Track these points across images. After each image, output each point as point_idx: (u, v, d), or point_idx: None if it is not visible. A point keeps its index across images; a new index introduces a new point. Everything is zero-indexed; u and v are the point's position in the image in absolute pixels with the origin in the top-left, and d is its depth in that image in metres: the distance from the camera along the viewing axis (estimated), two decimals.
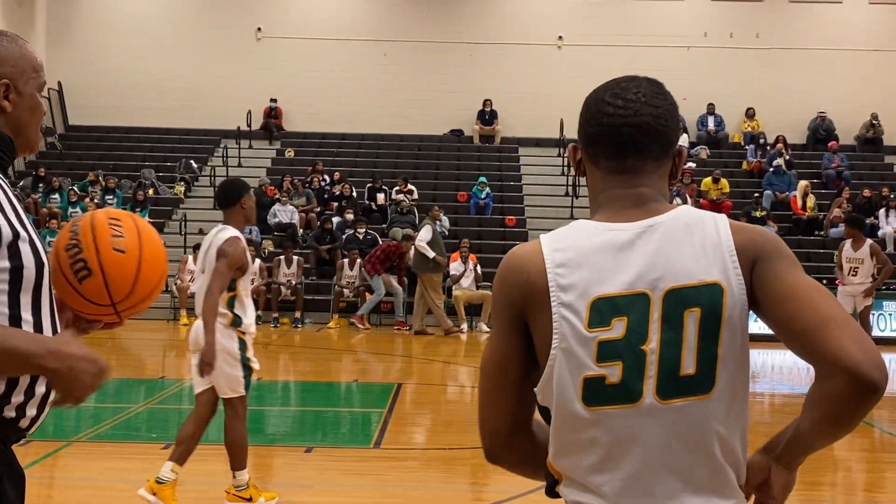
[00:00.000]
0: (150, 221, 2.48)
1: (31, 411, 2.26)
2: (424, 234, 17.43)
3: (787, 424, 1.94)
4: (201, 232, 21.11)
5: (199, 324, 5.97)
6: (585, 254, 1.94)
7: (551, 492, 2.04)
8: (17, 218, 2.20)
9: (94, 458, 7.58)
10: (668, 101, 2.07)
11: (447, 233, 21.32)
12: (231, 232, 5.95)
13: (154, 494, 5.96)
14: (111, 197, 21.53)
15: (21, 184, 22.68)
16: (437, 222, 18.09)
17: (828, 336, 1.82)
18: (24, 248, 2.19)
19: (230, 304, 5.95)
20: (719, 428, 1.91)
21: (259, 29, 26.32)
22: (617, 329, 1.90)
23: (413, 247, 17.84)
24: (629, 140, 2.00)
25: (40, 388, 2.27)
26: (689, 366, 1.90)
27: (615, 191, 2.02)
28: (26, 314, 2.19)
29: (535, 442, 2.07)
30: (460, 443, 8.51)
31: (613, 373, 1.90)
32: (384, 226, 21.17)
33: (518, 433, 2.05)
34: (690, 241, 1.94)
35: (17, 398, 2.22)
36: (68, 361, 2.13)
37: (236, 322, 5.97)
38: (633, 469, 1.90)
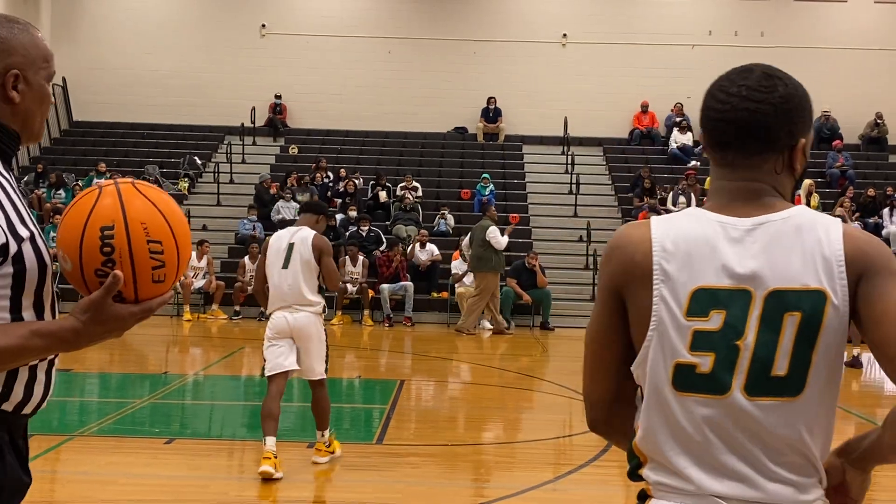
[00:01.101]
0: None
1: (29, 408, 2.23)
2: (494, 233, 17.07)
3: (865, 432, 1.98)
4: (205, 228, 21.15)
5: (292, 314, 6.98)
6: (693, 243, 1.97)
7: (634, 474, 2.08)
8: (20, 217, 2.14)
9: (97, 453, 7.59)
10: (777, 94, 2.03)
11: (451, 230, 21.34)
12: (313, 231, 7.14)
13: (331, 453, 7.33)
14: None
15: (25, 179, 22.72)
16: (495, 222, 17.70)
17: None
18: (27, 250, 2.13)
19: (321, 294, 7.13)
20: (803, 430, 1.94)
21: (263, 25, 26.33)
22: (714, 321, 1.93)
23: (460, 248, 18.03)
24: (725, 135, 2.03)
25: (38, 389, 2.23)
26: (781, 367, 1.92)
27: (722, 182, 2.06)
28: (28, 315, 2.15)
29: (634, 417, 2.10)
30: (462, 439, 8.52)
31: (705, 363, 1.93)
32: (387, 223, 21.18)
33: (617, 406, 2.10)
34: (800, 245, 1.94)
35: (17, 396, 2.19)
36: (86, 338, 2.07)
37: (324, 310, 7.08)
38: (716, 457, 1.94)
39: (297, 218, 7.71)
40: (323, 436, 7.28)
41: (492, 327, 17.72)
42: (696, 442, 1.95)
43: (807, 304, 1.91)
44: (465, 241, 18.09)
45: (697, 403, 1.94)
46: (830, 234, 1.95)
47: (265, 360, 7.00)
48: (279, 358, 6.94)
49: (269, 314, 7.12)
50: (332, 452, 7.34)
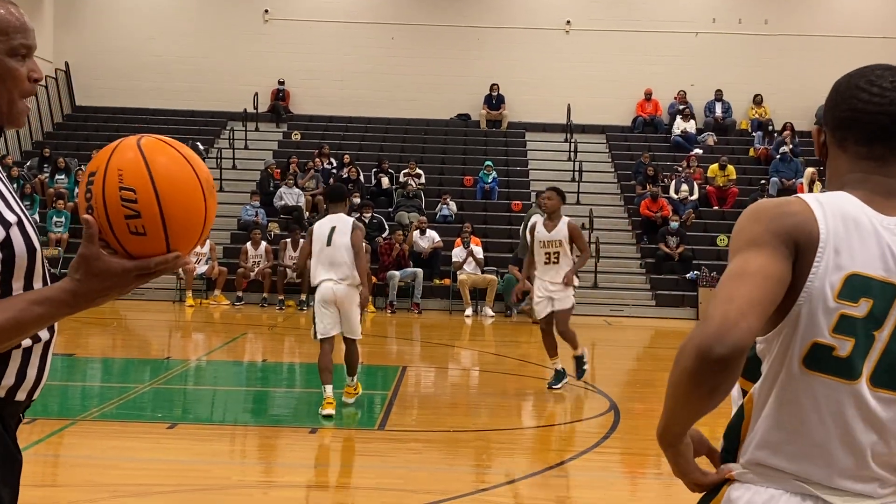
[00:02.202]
0: None
1: (22, 393, 2.18)
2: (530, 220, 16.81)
3: None
4: None
5: (336, 285, 8.55)
6: (849, 228, 1.98)
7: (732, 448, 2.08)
8: (5, 203, 2.07)
9: (99, 437, 7.61)
10: None
11: (453, 217, 21.34)
12: (349, 217, 8.83)
13: (357, 394, 9.00)
14: None
15: (28, 164, 22.72)
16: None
17: None
18: (15, 235, 2.07)
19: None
20: None
21: (266, 11, 26.27)
22: (862, 308, 1.95)
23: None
24: (881, 128, 2.04)
25: (32, 371, 2.18)
26: None
27: (863, 175, 2.06)
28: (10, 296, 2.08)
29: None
30: (464, 425, 8.54)
31: (844, 347, 1.95)
32: (390, 209, 21.18)
33: (747, 351, 1.90)
34: None
35: (8, 380, 2.13)
36: (84, 297, 1.98)
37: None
38: (824, 439, 1.97)
39: (328, 206, 9.44)
40: (352, 381, 8.92)
41: (494, 314, 17.75)
42: (808, 421, 1.98)
43: None
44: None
45: (824, 385, 1.97)
46: None
47: (315, 325, 8.55)
48: (328, 326, 8.53)
49: (316, 286, 8.68)
50: (358, 393, 9.02)
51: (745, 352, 1.87)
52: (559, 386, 10.14)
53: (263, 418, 8.96)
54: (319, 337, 8.54)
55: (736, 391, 2.09)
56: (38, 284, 2.14)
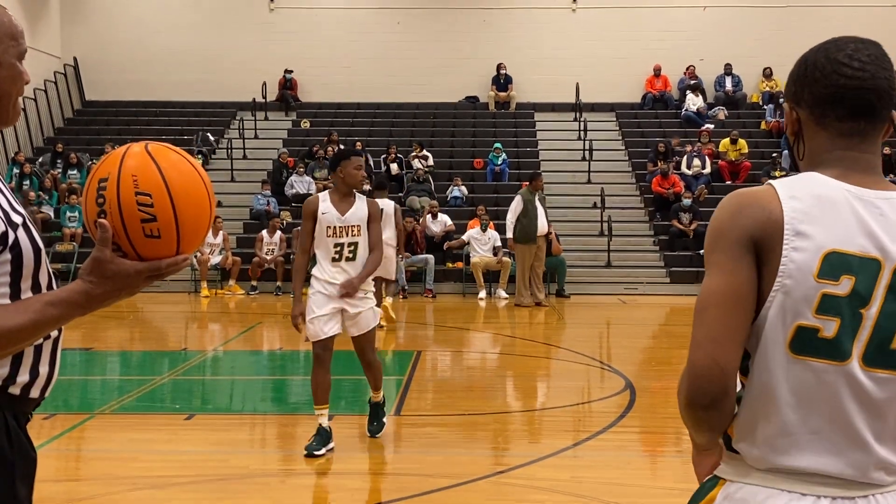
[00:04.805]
0: None
1: (35, 390, 2.23)
2: (513, 206, 16.68)
3: None
4: (219, 204, 21.18)
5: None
6: (822, 206, 1.95)
7: (730, 443, 2.05)
8: (10, 204, 2.13)
9: (119, 430, 7.67)
10: (892, 63, 2.06)
11: (464, 199, 21.33)
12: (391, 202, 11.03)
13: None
14: None
15: (40, 160, 22.81)
16: (538, 193, 16.90)
17: None
18: (21, 236, 2.12)
19: None
20: None
21: (272, 0, 26.24)
22: (844, 286, 1.91)
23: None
24: (865, 103, 2.01)
25: (44, 368, 2.24)
26: None
27: (842, 152, 2.03)
28: (27, 297, 2.14)
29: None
30: (479, 408, 8.56)
31: (829, 327, 1.91)
32: (401, 195, 21.19)
33: (736, 378, 1.97)
34: None
35: (23, 378, 2.18)
36: (97, 299, 2.06)
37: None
38: (821, 425, 1.93)
39: (374, 193, 12.48)
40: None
41: (507, 296, 17.75)
42: (802, 408, 1.93)
43: None
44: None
45: (812, 369, 1.93)
46: None
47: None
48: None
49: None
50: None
51: (731, 388, 1.94)
52: None
53: (280, 407, 9.01)
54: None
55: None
56: (44, 283, 2.19)
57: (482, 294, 18.26)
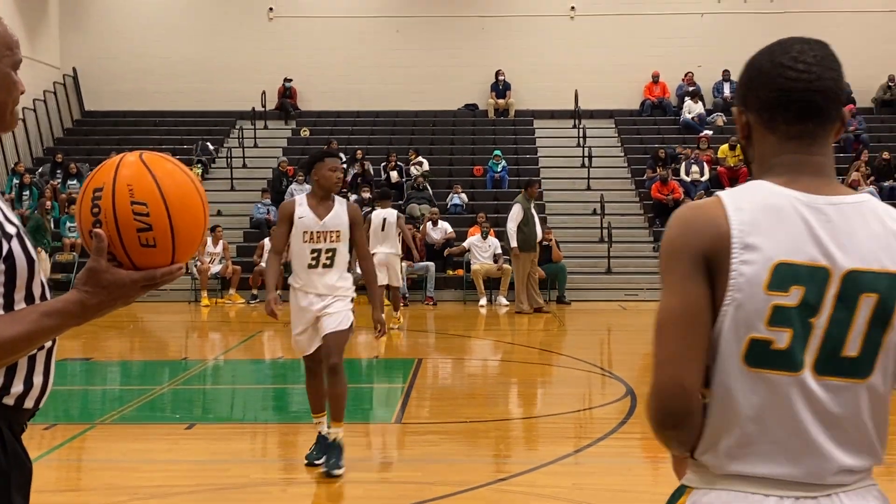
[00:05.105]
0: None
1: (30, 401, 2.23)
2: (514, 214, 16.55)
3: None
4: (219, 213, 21.20)
5: (388, 255, 14.04)
6: (770, 217, 1.93)
7: (694, 454, 2.05)
8: (3, 215, 2.13)
9: (119, 440, 7.66)
10: (839, 63, 2.04)
11: (464, 207, 21.34)
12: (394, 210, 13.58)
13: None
14: None
15: (40, 170, 22.82)
16: (532, 200, 16.82)
17: None
18: (15, 247, 2.12)
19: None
20: (865, 413, 1.94)
21: (271, 9, 26.29)
22: (793, 296, 1.90)
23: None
24: (813, 105, 1.99)
25: (38, 379, 2.23)
26: (852, 348, 1.92)
27: (791, 156, 2.01)
28: (20, 308, 2.13)
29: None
30: (480, 416, 8.55)
31: (781, 339, 1.90)
32: (401, 202, 21.20)
33: (699, 394, 1.97)
34: (875, 229, 1.94)
35: (17, 388, 2.17)
36: (92, 309, 2.05)
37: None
38: (779, 435, 1.93)
39: (378, 203, 14.80)
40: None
41: (508, 303, 17.75)
42: (760, 420, 1.93)
43: (883, 287, 1.91)
44: None
45: (768, 381, 1.92)
46: None
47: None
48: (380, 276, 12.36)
49: (375, 252, 13.03)
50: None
51: (695, 406, 1.94)
52: None
53: (281, 416, 8.99)
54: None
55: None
56: (37, 295, 2.18)
57: (483, 301, 18.25)
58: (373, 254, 13.58)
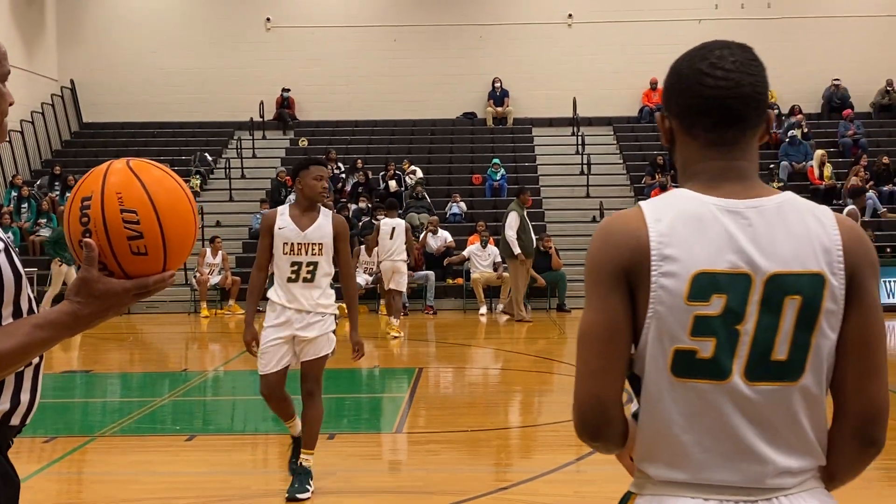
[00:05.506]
0: None
1: (16, 418, 2.21)
2: (511, 222, 16.48)
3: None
4: (218, 224, 21.21)
5: (395, 262, 15.10)
6: (688, 226, 1.92)
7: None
8: None
9: (120, 453, 7.64)
10: (761, 66, 2.02)
11: (463, 215, 21.33)
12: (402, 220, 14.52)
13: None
14: None
15: (38, 182, 22.81)
16: (524, 207, 16.81)
17: (865, 387, 1.95)
18: (2, 261, 2.09)
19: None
20: (801, 415, 1.93)
21: (268, 19, 26.32)
22: (715, 305, 1.89)
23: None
24: (732, 112, 1.97)
25: (25, 396, 2.20)
26: (781, 352, 1.91)
27: (713, 162, 1.99)
28: (8, 323, 2.11)
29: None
30: (482, 425, 8.53)
31: (706, 348, 1.89)
32: (400, 211, 21.18)
33: (621, 404, 1.98)
34: (796, 229, 1.93)
35: (4, 405, 2.14)
36: (84, 319, 2.02)
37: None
38: (713, 443, 1.92)
39: (386, 213, 16.05)
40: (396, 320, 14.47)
41: (507, 316, 17.73)
42: (692, 429, 1.92)
43: (806, 288, 1.90)
44: None
45: (696, 390, 1.91)
46: (825, 220, 1.95)
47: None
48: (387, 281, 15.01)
49: (381, 261, 15.23)
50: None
51: (614, 417, 1.96)
52: None
53: (282, 427, 8.94)
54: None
55: (634, 407, 2.06)
56: (24, 309, 2.16)
57: (483, 310, 18.23)
58: (381, 261, 15.42)
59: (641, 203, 1.99)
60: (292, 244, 6.11)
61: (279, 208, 6.33)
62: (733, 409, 1.91)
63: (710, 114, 1.98)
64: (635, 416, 2.03)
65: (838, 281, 1.91)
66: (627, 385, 2.02)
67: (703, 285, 1.89)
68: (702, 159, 2.01)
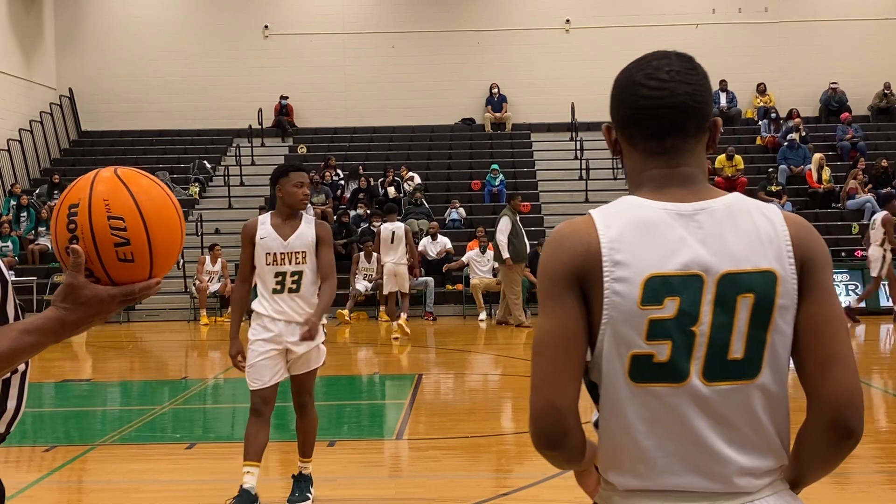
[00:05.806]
0: None
1: (2, 425, 2.21)
2: (503, 227, 16.45)
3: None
4: (217, 232, 21.20)
5: (397, 266, 15.34)
6: (638, 231, 1.92)
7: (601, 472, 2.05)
8: None
9: (120, 461, 7.63)
10: (701, 74, 2.02)
11: (462, 221, 21.34)
12: (402, 224, 15.20)
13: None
14: None
15: (37, 191, 22.81)
16: (518, 213, 16.83)
17: (830, 374, 1.92)
18: None
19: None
20: (761, 412, 1.93)
21: (266, 27, 26.35)
22: (669, 308, 1.89)
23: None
24: (667, 122, 1.98)
25: (11, 403, 2.20)
26: (737, 350, 1.91)
27: (657, 170, 2.00)
28: None
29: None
30: (482, 430, 8.52)
31: (662, 351, 1.89)
32: (399, 217, 21.18)
33: (577, 413, 1.97)
34: (745, 228, 1.93)
35: None
36: (70, 325, 2.02)
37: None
38: (675, 447, 1.92)
39: (386, 217, 15.93)
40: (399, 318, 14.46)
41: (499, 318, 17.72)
42: (654, 434, 1.92)
43: (758, 285, 1.90)
44: None
45: (655, 394, 1.91)
46: (773, 217, 1.96)
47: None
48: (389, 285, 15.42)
49: (383, 265, 15.45)
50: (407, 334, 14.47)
51: (571, 427, 1.94)
52: None
53: (282, 434, 8.95)
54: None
55: (595, 416, 2.05)
56: (10, 316, 2.16)
57: (482, 315, 18.22)
58: (382, 264, 15.74)
59: (591, 211, 1.99)
60: (275, 254, 5.92)
61: (259, 217, 6.14)
62: (693, 411, 1.91)
63: (646, 124, 1.99)
64: (596, 424, 2.02)
65: (790, 275, 1.92)
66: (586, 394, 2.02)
67: (656, 288, 1.89)
68: (646, 167, 2.02)
